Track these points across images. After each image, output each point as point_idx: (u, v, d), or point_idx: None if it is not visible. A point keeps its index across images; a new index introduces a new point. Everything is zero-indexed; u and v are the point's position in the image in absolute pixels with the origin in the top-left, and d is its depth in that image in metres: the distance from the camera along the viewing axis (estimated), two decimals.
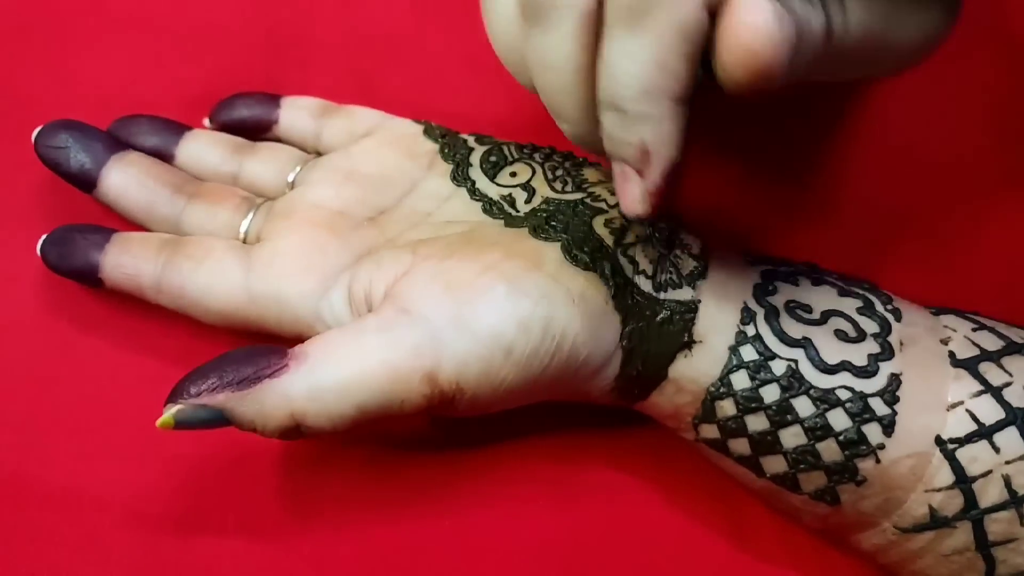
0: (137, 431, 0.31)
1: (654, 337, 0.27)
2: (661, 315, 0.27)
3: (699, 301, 0.28)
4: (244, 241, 0.32)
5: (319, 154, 0.35)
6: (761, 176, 0.37)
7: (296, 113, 0.35)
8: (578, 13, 0.22)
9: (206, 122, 0.36)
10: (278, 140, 0.36)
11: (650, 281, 0.28)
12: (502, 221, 0.30)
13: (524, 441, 0.32)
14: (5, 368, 0.32)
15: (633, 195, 0.24)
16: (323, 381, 0.25)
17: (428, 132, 0.34)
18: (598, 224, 0.29)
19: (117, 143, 0.33)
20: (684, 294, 0.28)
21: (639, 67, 0.21)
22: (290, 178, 0.33)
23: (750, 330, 0.27)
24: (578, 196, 0.30)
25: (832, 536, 0.30)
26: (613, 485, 0.32)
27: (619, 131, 0.22)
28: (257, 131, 0.36)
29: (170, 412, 0.25)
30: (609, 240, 0.28)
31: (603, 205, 0.29)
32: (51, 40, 0.38)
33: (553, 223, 0.29)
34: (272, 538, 0.30)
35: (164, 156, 0.34)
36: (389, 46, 0.39)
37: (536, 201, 0.30)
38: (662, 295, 0.28)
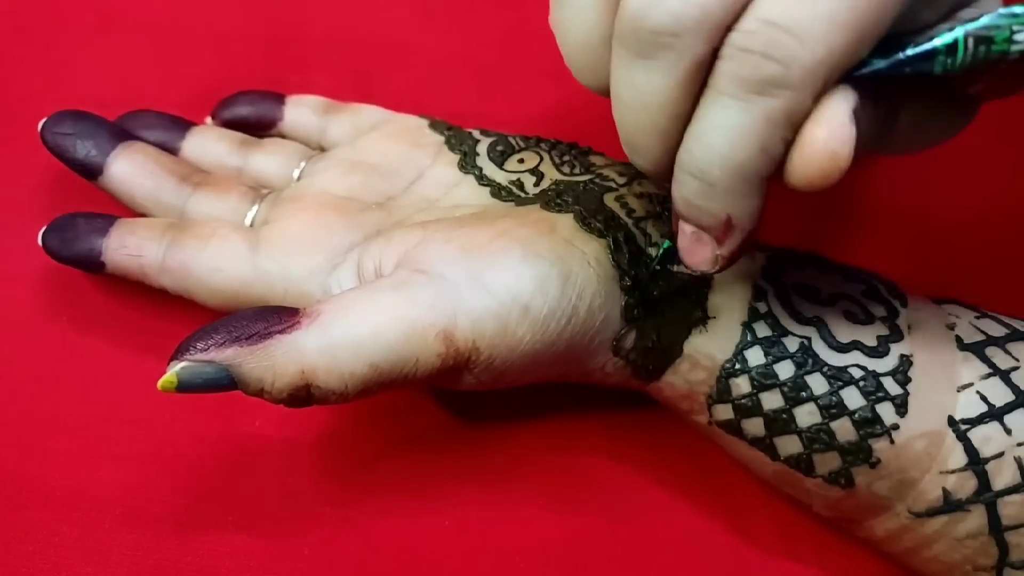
0: (137, 431, 0.31)
1: (668, 307, 0.27)
2: (675, 284, 0.27)
3: (711, 276, 0.27)
4: (252, 227, 0.31)
5: (323, 150, 0.35)
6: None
7: (300, 110, 0.36)
8: (691, 59, 0.20)
9: (208, 120, 0.36)
10: (283, 135, 0.36)
11: None
12: (512, 203, 0.30)
13: (524, 439, 0.32)
14: (5, 368, 0.32)
15: (704, 256, 0.23)
16: (336, 337, 0.24)
17: (434, 126, 0.34)
18: (609, 199, 0.29)
19: (124, 133, 0.33)
20: None
21: (739, 144, 0.20)
22: (296, 173, 0.34)
23: (762, 307, 0.27)
24: (587, 177, 0.30)
25: (844, 523, 0.29)
26: (614, 486, 0.32)
27: (702, 200, 0.21)
28: (260, 128, 0.36)
29: (174, 369, 0.24)
30: (621, 212, 0.28)
31: (612, 184, 0.29)
32: (51, 40, 0.38)
33: (565, 198, 0.29)
34: (272, 538, 0.30)
35: (169, 150, 0.34)
36: (389, 46, 0.39)
37: (545, 184, 0.30)
38: (674, 267, 0.27)
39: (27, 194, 0.35)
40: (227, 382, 0.24)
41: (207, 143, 0.34)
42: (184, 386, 0.24)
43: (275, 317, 0.24)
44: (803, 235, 0.35)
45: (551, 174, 0.31)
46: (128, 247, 0.30)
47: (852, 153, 0.19)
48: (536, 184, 0.30)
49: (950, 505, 0.25)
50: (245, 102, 0.36)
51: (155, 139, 0.34)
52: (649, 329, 0.27)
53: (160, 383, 0.24)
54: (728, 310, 0.27)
